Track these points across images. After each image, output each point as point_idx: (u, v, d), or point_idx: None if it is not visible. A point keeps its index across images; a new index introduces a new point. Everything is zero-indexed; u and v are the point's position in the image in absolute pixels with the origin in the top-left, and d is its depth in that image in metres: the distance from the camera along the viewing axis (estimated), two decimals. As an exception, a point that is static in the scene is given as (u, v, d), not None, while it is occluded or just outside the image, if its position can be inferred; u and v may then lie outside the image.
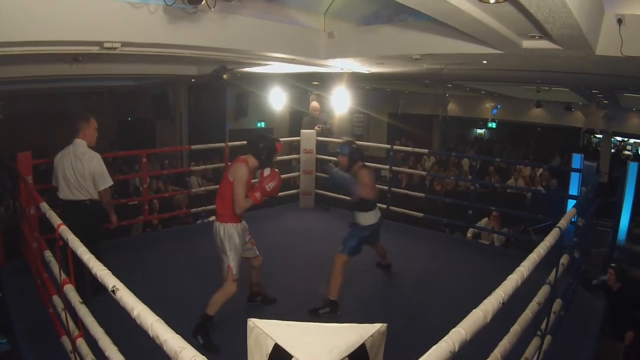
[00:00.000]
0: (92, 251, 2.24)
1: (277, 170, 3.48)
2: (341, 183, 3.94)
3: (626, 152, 15.99)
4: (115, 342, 2.09)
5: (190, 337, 3.15)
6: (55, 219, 2.58)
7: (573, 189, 7.21)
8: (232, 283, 3.32)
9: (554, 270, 2.80)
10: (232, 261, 3.32)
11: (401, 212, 6.15)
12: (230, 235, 3.33)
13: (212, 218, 7.08)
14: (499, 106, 14.18)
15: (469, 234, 6.68)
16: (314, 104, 6.99)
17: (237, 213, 3.32)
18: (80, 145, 3.70)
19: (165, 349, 1.39)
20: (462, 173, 11.46)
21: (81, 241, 2.28)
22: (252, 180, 3.51)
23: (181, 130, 12.80)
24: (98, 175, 3.70)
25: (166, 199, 7.90)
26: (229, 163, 3.94)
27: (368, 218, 3.92)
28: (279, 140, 3.52)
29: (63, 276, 2.51)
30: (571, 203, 6.03)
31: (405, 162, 12.47)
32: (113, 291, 1.74)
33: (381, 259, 4.52)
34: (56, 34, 3.48)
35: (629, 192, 6.86)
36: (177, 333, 1.42)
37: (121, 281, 1.80)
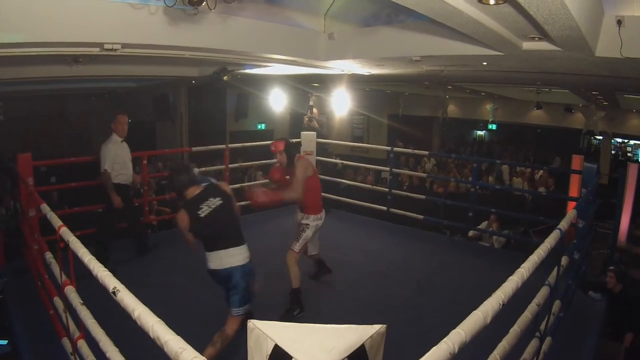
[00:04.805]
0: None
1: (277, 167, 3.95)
2: None
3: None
4: (116, 343, 2.10)
5: (190, 338, 3.15)
6: (56, 221, 2.58)
7: (573, 191, 7.19)
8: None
9: (554, 272, 2.80)
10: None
11: (401, 214, 6.15)
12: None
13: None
14: (496, 107, 14.18)
15: (469, 234, 6.67)
16: (313, 105, 7.03)
17: None
18: (111, 136, 4.61)
19: (166, 350, 1.40)
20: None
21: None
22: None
23: (182, 132, 12.81)
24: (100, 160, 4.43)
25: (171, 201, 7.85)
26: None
27: None
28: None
29: (64, 277, 2.51)
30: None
31: (406, 164, 12.41)
32: (114, 292, 1.74)
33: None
34: (57, 35, 3.49)
35: (629, 194, 6.84)
36: (178, 334, 1.42)
37: (122, 282, 1.80)
